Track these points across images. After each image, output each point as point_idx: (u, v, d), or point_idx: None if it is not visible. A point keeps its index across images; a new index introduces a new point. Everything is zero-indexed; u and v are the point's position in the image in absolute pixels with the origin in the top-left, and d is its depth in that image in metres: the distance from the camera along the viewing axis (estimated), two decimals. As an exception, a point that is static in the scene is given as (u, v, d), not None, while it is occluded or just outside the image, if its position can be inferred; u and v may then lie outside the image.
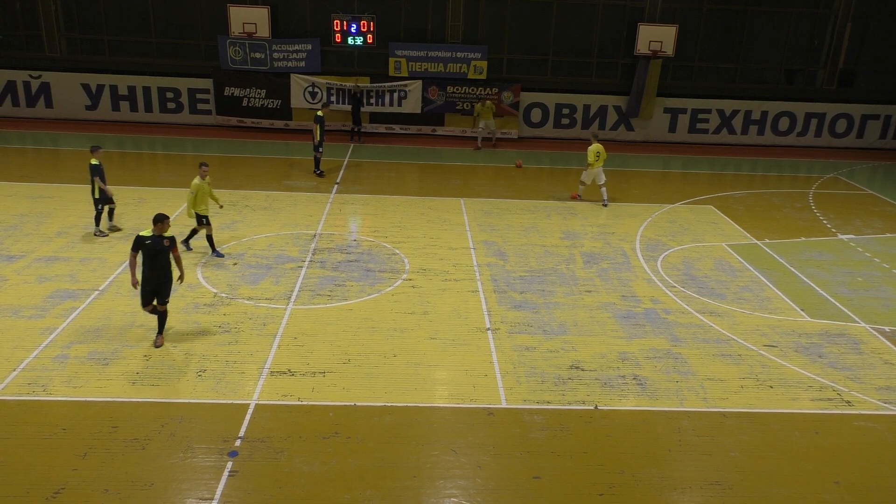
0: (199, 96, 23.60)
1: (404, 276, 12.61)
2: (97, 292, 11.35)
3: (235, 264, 12.71)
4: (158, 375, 9.13)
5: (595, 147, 17.05)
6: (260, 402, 8.66)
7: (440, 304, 11.53)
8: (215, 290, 11.63)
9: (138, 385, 8.90)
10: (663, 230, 15.69)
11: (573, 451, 8.08)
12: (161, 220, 9.51)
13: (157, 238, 9.53)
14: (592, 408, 8.90)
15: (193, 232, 13.17)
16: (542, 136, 24.50)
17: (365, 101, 23.20)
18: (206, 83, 23.43)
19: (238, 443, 7.90)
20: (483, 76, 23.33)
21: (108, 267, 12.29)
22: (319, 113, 17.89)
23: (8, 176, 17.19)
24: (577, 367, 9.81)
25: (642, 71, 23.49)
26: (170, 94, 23.54)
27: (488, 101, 22.91)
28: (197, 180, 12.58)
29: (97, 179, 13.33)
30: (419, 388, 9.14)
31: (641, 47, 23.36)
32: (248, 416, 8.38)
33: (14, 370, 9.06)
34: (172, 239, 9.68)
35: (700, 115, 24.70)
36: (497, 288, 12.28)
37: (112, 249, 13.01)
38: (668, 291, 12.44)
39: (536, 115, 24.40)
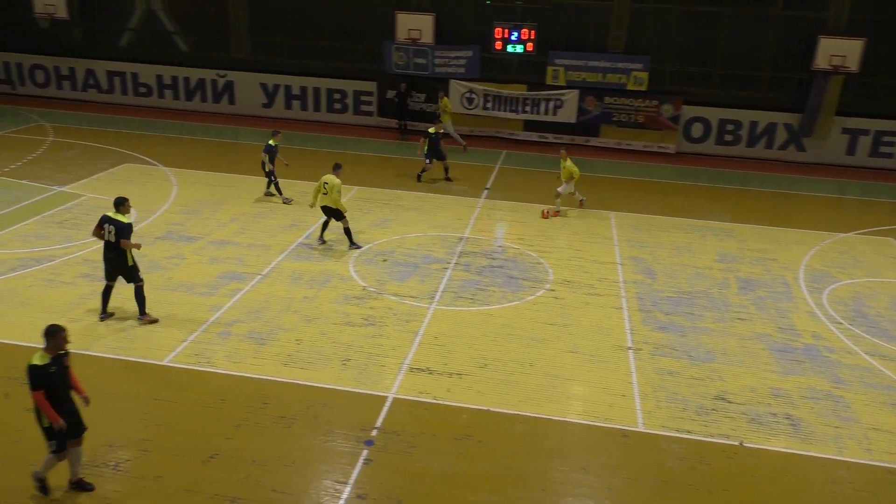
0: (363, 98, 24.78)
1: (547, 286, 12.53)
2: (260, 276, 12.24)
3: (385, 261, 13.22)
4: (307, 360, 9.69)
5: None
6: (397, 396, 8.95)
7: (582, 318, 11.35)
8: (364, 284, 12.16)
9: (289, 367, 9.49)
10: (832, 261, 14.46)
11: (711, 486, 7.66)
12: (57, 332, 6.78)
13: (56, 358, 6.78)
14: (737, 443, 8.39)
15: (347, 231, 13.65)
16: (703, 152, 23.37)
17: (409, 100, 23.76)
18: (371, 86, 24.53)
19: (374, 433, 8.22)
20: (643, 87, 22.66)
21: (270, 254, 13.22)
22: (431, 130, 18.13)
23: (193, 165, 18.93)
24: (723, 399, 9.28)
25: (820, 87, 21.76)
26: (337, 96, 24.90)
27: (445, 98, 22.17)
28: (337, 180, 13.26)
29: (266, 156, 15.73)
30: (554, 401, 9.05)
31: (820, 62, 21.62)
32: (385, 409, 8.69)
33: (184, 341, 9.98)
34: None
35: (885, 138, 22.46)
36: (642, 307, 11.88)
37: (275, 238, 13.97)
38: (832, 328, 11.46)
39: (697, 129, 23.32)
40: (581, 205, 16.79)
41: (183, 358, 9.56)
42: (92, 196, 15.87)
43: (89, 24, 26.42)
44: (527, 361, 9.95)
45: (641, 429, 8.58)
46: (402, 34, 23.23)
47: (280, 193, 16.20)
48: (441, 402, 8.90)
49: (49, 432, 6.70)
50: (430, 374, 9.51)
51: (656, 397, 9.23)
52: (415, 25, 23.06)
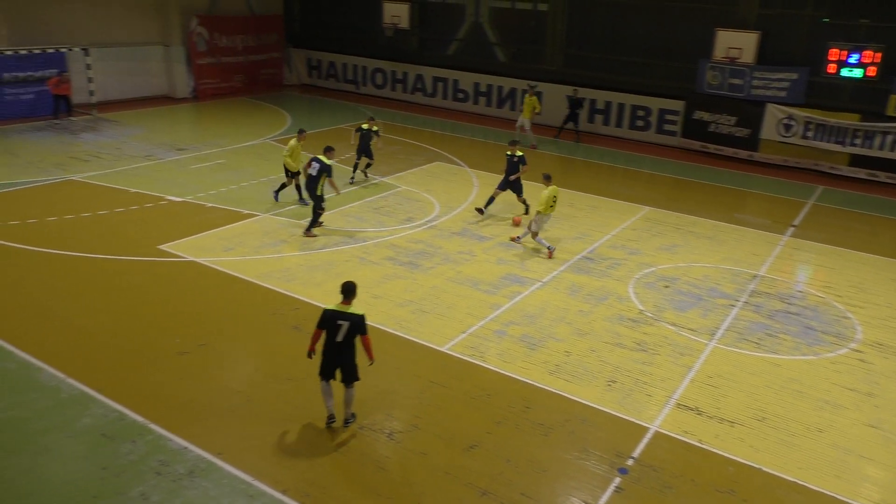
0: (667, 117, 24.05)
1: (852, 345, 11.00)
2: (540, 283, 12.60)
3: (667, 287, 12.73)
4: (573, 373, 9.75)
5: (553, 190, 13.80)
6: (660, 430, 8.59)
7: (893, 390, 9.77)
8: (641, 308, 11.85)
9: (555, 376, 9.65)
10: None
11: None
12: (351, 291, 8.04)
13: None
14: None
15: (283, 186, 15.94)
16: None
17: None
18: (677, 105, 23.70)
19: (630, 462, 8.00)
20: None
21: (553, 263, 13.52)
22: (508, 152, 15.95)
23: (493, 168, 20.08)
24: None
25: None
26: (640, 113, 24.51)
27: (534, 96, 22.79)
28: (294, 142, 15.37)
29: (356, 134, 17.99)
30: (843, 478, 7.94)
31: None
32: (645, 440, 8.40)
33: (463, 332, 10.68)
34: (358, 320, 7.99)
35: None
36: (978, 391, 9.85)
37: (561, 249, 14.24)
38: None
39: None
40: (550, 255, 13.78)
41: (460, 348, 10.24)
42: (405, 188, 17.73)
43: (424, 34, 29.44)
44: (814, 425, 8.87)
45: (955, 537, 7.15)
46: (719, 52, 22.03)
47: (354, 171, 18.13)
48: (706, 447, 8.34)
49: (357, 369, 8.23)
50: (699, 414, 8.96)
51: (982, 504, 7.62)
52: (735, 43, 21.72)
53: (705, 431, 8.62)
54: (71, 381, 8.90)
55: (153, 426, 8.13)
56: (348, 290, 7.98)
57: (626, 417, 8.82)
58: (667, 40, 24.03)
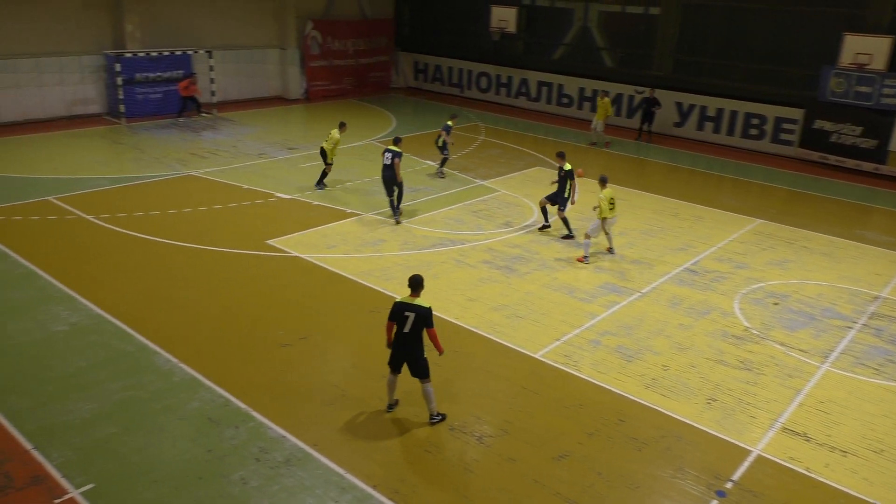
0: (784, 126, 22.83)
1: None
2: (638, 294, 12.27)
3: (776, 304, 12.09)
4: (671, 388, 9.43)
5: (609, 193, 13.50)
6: (762, 454, 8.17)
7: None
8: (747, 325, 11.32)
9: (651, 390, 9.37)
10: None
11: None
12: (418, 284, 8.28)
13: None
14: None
15: (324, 174, 17.17)
16: None
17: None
18: (795, 113, 22.46)
19: (729, 485, 7.65)
20: None
21: (653, 273, 13.14)
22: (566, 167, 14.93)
23: (594, 175, 19.73)
24: None
25: None
26: (755, 121, 23.39)
27: (606, 98, 23.24)
28: (336, 133, 16.85)
29: (444, 133, 18.45)
30: (968, 521, 7.29)
31: None
32: (746, 463, 8.02)
33: (557, 340, 10.55)
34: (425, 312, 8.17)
35: None
36: None
37: (660, 259, 13.82)
38: None
39: None
40: (582, 259, 13.63)
41: (553, 356, 10.13)
42: (505, 192, 17.71)
43: (531, 39, 29.32)
44: (939, 462, 8.18)
45: None
46: (846, 58, 20.72)
47: (441, 166, 18.87)
48: (814, 475, 7.86)
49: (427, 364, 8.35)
50: (808, 441, 8.46)
51: None
52: (865, 49, 20.36)
53: (814, 459, 8.13)
54: (182, 365, 9.46)
55: (255, 413, 8.50)
56: (416, 283, 8.22)
57: (727, 438, 8.45)
58: (786, 45, 22.85)
